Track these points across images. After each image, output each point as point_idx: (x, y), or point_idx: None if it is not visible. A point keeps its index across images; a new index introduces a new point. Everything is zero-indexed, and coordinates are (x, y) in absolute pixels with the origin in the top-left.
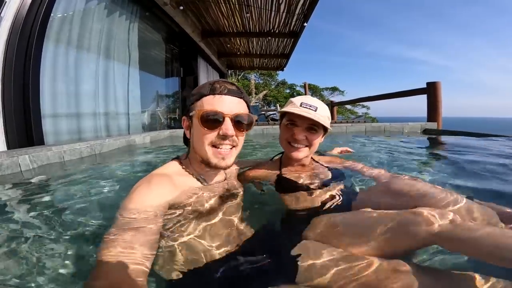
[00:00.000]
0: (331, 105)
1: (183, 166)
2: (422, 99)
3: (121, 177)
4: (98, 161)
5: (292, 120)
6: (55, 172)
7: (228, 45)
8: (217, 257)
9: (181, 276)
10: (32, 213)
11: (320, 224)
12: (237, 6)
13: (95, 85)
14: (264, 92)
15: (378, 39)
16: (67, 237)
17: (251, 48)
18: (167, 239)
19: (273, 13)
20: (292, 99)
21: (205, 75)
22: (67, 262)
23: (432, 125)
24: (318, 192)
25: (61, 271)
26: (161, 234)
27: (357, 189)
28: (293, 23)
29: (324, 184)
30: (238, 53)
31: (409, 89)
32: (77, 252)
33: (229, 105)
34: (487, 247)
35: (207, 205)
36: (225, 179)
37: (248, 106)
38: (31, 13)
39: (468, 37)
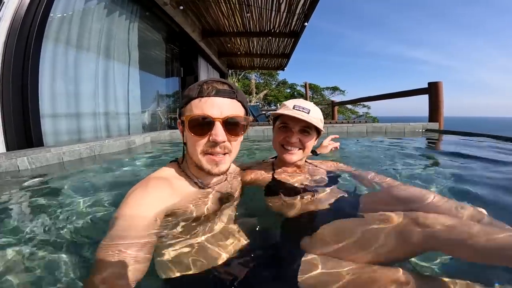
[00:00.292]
0: (332, 104)
1: (181, 169)
2: (424, 99)
3: (121, 178)
4: (98, 162)
5: (285, 123)
6: (54, 173)
7: (229, 45)
8: (215, 262)
9: (178, 281)
10: (30, 215)
11: (320, 232)
12: (237, 5)
13: (95, 85)
14: (265, 91)
15: (379, 38)
16: (65, 240)
17: (251, 48)
18: (164, 243)
19: (273, 12)
20: (284, 102)
21: (205, 74)
22: (65, 264)
23: (434, 125)
24: (312, 196)
25: (60, 273)
26: (158, 239)
27: (354, 193)
28: (293, 22)
29: (319, 188)
30: (239, 52)
31: (411, 89)
32: (76, 254)
33: (219, 107)
34: (493, 249)
35: (205, 210)
36: (225, 180)
37: (245, 106)
38: (29, 13)
39: (471, 37)
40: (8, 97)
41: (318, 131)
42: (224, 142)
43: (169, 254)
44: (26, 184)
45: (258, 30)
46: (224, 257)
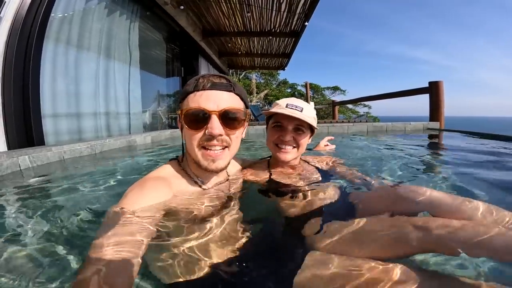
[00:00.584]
0: (332, 104)
1: (181, 168)
2: (425, 98)
3: (120, 177)
4: (99, 161)
5: (278, 122)
6: (55, 172)
7: (229, 45)
8: (215, 263)
9: (177, 282)
10: (30, 213)
11: (321, 231)
12: (237, 5)
13: (96, 85)
14: (265, 91)
15: (379, 38)
16: (66, 239)
17: (252, 48)
18: (162, 244)
19: (274, 12)
20: (277, 101)
21: None
22: (66, 263)
23: (435, 125)
24: (308, 195)
25: (61, 272)
26: (155, 239)
27: (350, 191)
28: (294, 22)
29: (316, 187)
30: (239, 52)
31: (411, 89)
32: (77, 253)
33: (215, 100)
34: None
35: (204, 210)
36: (227, 180)
37: (243, 100)
38: (30, 13)
39: (471, 37)
40: (10, 97)
41: (312, 129)
42: (221, 135)
43: (168, 255)
44: (27, 182)
45: (258, 30)
46: (224, 257)
